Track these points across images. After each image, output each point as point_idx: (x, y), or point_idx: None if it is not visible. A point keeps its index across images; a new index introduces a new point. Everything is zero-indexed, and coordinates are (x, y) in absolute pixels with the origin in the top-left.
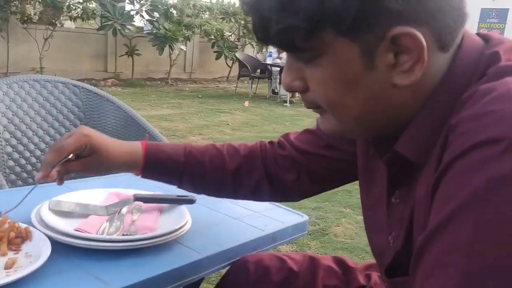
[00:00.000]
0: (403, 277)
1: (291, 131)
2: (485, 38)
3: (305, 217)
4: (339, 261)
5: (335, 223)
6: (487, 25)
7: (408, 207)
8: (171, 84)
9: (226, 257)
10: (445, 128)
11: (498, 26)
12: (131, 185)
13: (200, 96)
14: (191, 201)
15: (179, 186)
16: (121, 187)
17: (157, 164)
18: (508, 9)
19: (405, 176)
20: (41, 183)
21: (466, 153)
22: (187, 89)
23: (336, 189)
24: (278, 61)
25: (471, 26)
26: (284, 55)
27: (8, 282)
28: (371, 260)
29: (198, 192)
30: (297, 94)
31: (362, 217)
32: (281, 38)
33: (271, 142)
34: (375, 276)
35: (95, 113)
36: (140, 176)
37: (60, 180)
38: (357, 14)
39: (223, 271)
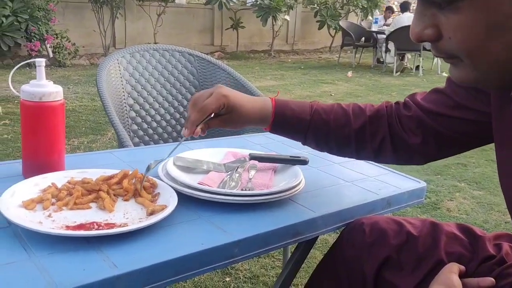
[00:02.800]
0: None
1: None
2: None
3: (423, 184)
4: (465, 229)
5: (448, 197)
6: None
7: None
8: (274, 56)
9: (341, 218)
10: None
11: None
12: (246, 146)
13: (302, 67)
14: (304, 162)
15: (304, 143)
16: (237, 147)
17: (284, 121)
18: None
19: None
20: (186, 140)
21: None
22: (290, 60)
23: (449, 162)
24: (384, 28)
25: None
26: (391, 20)
27: (144, 226)
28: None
29: (321, 150)
30: (405, 63)
31: (479, 192)
32: None
33: (397, 103)
34: (506, 246)
35: (208, 80)
36: (268, 131)
37: (203, 132)
38: None
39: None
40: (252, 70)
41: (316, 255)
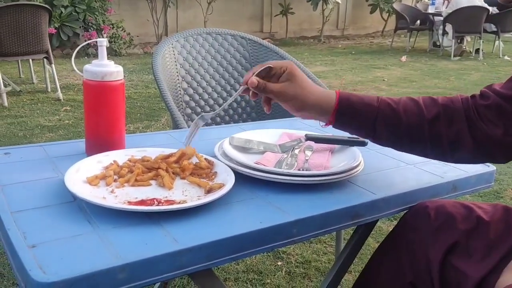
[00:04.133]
0: None
1: (458, 88)
2: None
3: (492, 167)
4: None
5: (511, 186)
6: None
7: None
8: (324, 42)
9: (403, 200)
10: None
11: None
12: (302, 128)
13: (353, 52)
14: (363, 143)
15: (372, 136)
16: (293, 129)
17: (350, 107)
18: None
19: None
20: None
21: None
22: (340, 46)
23: None
24: (442, 9)
25: None
26: (450, 2)
27: (203, 203)
28: None
29: (392, 144)
30: (463, 47)
31: None
32: None
33: (473, 95)
34: None
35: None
36: (331, 123)
37: (268, 106)
38: None
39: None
40: (301, 56)
41: (370, 243)
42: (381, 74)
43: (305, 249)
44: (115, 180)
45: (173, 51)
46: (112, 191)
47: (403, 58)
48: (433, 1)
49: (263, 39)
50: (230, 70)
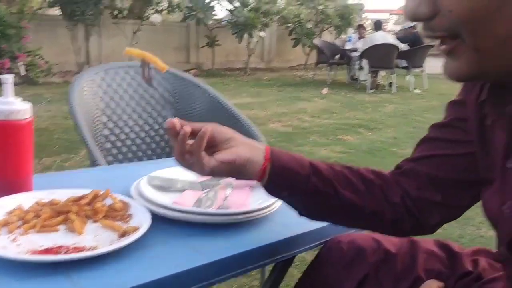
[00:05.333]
0: None
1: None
2: None
3: None
4: (443, 245)
5: None
6: None
7: None
8: (250, 74)
9: (319, 236)
10: None
11: None
12: None
13: (278, 84)
14: None
15: (303, 204)
16: None
17: (281, 161)
18: None
19: None
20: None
21: None
22: (265, 78)
23: None
24: (358, 45)
25: None
26: (364, 37)
27: (115, 249)
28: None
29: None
30: (378, 80)
31: None
32: None
33: (393, 172)
34: (483, 262)
35: (184, 97)
36: (261, 180)
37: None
38: None
39: (307, 259)
40: (227, 87)
41: (294, 274)
42: (305, 105)
43: (230, 284)
44: (19, 227)
45: (92, 83)
46: (14, 239)
47: (325, 91)
48: (350, 38)
49: (190, 69)
50: (152, 103)
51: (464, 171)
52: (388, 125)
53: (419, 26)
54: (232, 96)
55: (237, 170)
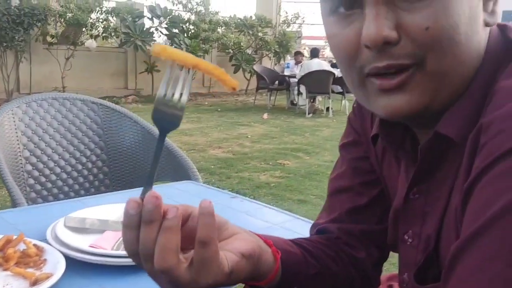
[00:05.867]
0: (433, 284)
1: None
2: (500, 27)
3: None
4: None
5: None
6: None
7: (431, 202)
8: (190, 99)
9: None
10: (480, 118)
11: None
12: None
13: (219, 109)
14: None
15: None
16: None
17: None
18: None
19: (430, 170)
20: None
21: (503, 157)
22: (206, 103)
23: None
24: (296, 71)
25: None
26: (301, 65)
27: None
28: (395, 271)
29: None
30: (316, 105)
31: None
32: None
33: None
34: (396, 287)
35: (114, 129)
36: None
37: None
38: None
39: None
40: None
41: None
42: (245, 131)
43: None
44: None
45: (13, 117)
46: None
47: (265, 116)
48: (288, 64)
49: (128, 95)
50: (79, 136)
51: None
52: (325, 149)
53: (367, 56)
54: None
55: (255, 265)
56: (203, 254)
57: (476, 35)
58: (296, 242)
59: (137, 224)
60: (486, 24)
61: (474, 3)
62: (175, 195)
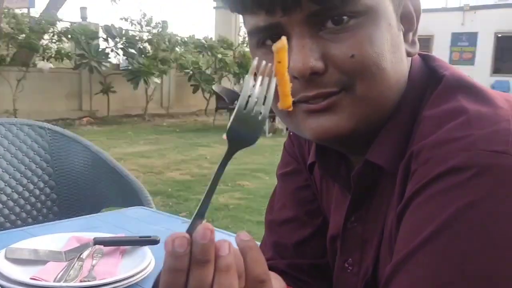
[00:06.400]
0: None
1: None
2: (422, 56)
3: None
4: None
5: None
6: (459, 48)
7: (369, 231)
8: (148, 120)
9: None
10: (409, 145)
11: (469, 49)
12: (92, 228)
13: (178, 130)
14: (154, 242)
15: None
16: (82, 230)
17: None
18: (477, 32)
19: (365, 198)
20: None
21: (430, 182)
22: (165, 124)
23: None
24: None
25: (444, 50)
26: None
27: None
28: None
29: None
30: (276, 125)
31: None
32: None
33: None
34: None
35: (63, 155)
36: None
37: None
38: None
39: None
40: (124, 135)
41: None
42: (204, 152)
43: None
44: None
45: None
46: None
47: (225, 136)
48: None
49: (83, 117)
50: (26, 162)
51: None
52: None
53: (296, 86)
54: (129, 144)
55: None
56: None
57: (401, 63)
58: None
59: (187, 266)
60: (408, 54)
61: (395, 33)
62: (124, 222)
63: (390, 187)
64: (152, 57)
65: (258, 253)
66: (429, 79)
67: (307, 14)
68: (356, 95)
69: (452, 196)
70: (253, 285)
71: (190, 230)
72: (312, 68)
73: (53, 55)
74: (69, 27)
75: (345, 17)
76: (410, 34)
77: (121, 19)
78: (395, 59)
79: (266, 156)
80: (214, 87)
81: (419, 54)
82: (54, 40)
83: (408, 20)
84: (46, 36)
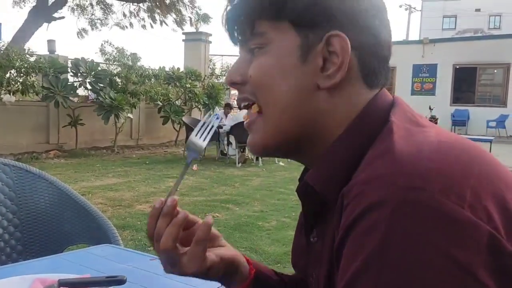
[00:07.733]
0: None
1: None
2: (392, 99)
3: None
4: None
5: None
6: (420, 79)
7: (326, 247)
8: (118, 152)
9: None
10: (353, 177)
11: (430, 79)
12: (57, 268)
13: (147, 162)
14: (121, 282)
15: None
16: (46, 271)
17: (259, 267)
18: (436, 64)
19: (321, 213)
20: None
21: (357, 219)
22: (134, 156)
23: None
24: (225, 122)
25: (406, 80)
26: (230, 116)
27: None
28: None
29: None
30: (246, 155)
31: None
32: (246, 23)
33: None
34: None
35: (27, 191)
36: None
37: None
38: (305, 11)
39: None
40: (93, 167)
41: None
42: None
43: None
44: None
45: None
46: None
47: (195, 167)
48: (217, 115)
49: (50, 150)
50: None
51: None
52: (255, 199)
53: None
54: (98, 177)
55: (231, 271)
56: (194, 249)
57: (301, 91)
58: (278, 272)
59: (158, 215)
60: (318, 86)
61: (292, 63)
62: (90, 261)
63: (334, 212)
64: (122, 90)
65: (205, 227)
66: (383, 123)
67: (239, 45)
68: (263, 115)
69: (370, 235)
70: (193, 243)
71: (166, 198)
72: (231, 79)
73: (19, 88)
74: (38, 59)
75: (253, 47)
76: (331, 70)
77: (96, 53)
78: (288, 87)
79: (236, 187)
80: (184, 118)
81: (382, 92)
82: (21, 74)
83: (326, 57)
84: (12, 71)
